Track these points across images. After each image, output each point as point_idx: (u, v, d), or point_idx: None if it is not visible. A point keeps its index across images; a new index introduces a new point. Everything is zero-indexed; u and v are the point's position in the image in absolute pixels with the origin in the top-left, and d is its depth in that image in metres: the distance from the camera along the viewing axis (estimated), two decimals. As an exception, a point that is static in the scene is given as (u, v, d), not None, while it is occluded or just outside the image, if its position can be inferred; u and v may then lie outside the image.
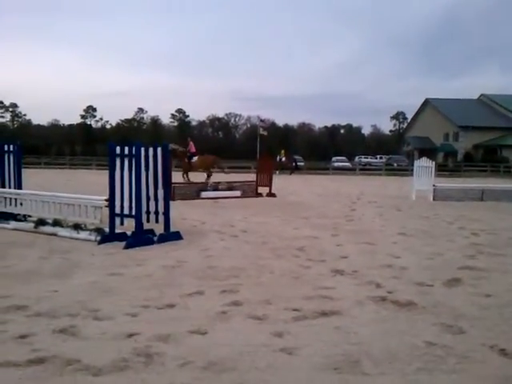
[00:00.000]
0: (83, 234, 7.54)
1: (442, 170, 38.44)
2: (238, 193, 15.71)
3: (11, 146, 9.14)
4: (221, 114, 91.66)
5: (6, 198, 8.81)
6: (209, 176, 19.57)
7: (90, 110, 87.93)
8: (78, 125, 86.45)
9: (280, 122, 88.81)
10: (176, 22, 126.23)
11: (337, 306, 4.34)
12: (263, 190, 16.33)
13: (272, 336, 3.58)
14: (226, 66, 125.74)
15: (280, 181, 21.92)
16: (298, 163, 40.13)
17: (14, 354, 3.19)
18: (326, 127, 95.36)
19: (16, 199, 8.70)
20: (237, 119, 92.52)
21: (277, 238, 7.91)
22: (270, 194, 16.20)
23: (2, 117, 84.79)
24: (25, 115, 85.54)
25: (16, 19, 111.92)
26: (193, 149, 21.09)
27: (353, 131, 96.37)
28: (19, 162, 9.25)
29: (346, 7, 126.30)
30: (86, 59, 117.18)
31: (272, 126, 74.10)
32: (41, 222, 8.16)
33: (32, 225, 8.22)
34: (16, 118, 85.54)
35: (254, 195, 16.00)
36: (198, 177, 18.91)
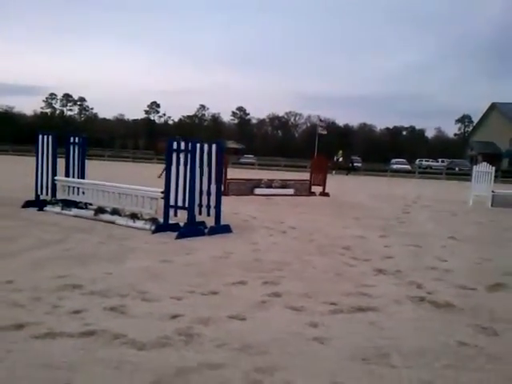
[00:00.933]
0: (139, 223, 7.92)
1: (506, 176, 37.03)
2: (291, 191, 15.87)
3: (77, 138, 9.71)
4: (281, 113, 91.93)
5: (69, 186, 9.37)
6: None
7: (154, 106, 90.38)
8: (142, 120, 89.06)
9: (340, 122, 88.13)
10: (240, 21, 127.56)
11: (374, 302, 4.42)
12: (317, 189, 16.40)
13: (307, 326, 3.73)
14: (288, 65, 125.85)
15: (335, 181, 21.89)
16: (355, 164, 39.80)
17: (68, 326, 3.49)
18: (387, 128, 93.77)
19: (79, 188, 9.23)
20: (297, 118, 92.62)
21: (324, 236, 8.02)
22: (324, 194, 16.24)
23: (71, 110, 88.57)
24: (92, 109, 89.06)
25: (87, 15, 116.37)
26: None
27: (415, 133, 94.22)
28: (84, 154, 9.79)
29: (415, 10, 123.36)
30: (151, 57, 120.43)
31: (332, 126, 73.71)
32: (100, 210, 8.63)
33: (92, 212, 8.71)
34: (83, 112, 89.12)
35: (307, 194, 16.11)
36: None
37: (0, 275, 4.73)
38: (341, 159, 35.95)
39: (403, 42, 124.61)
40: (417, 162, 59.03)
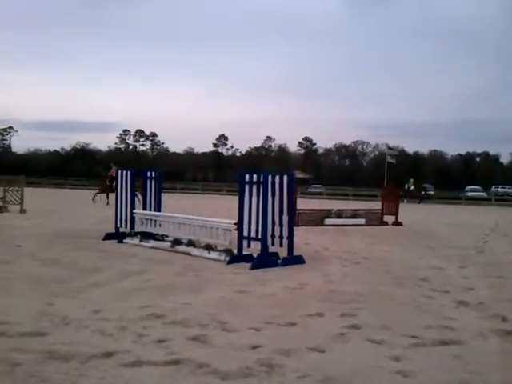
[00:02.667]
0: (214, 254, 8.11)
1: None
2: (362, 220, 15.66)
3: (153, 173, 10.15)
4: (348, 142, 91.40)
5: (147, 219, 9.75)
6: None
7: (222, 139, 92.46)
8: (211, 152, 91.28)
9: (409, 150, 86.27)
10: (303, 49, 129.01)
11: (457, 336, 4.29)
12: (389, 218, 16.09)
13: (388, 359, 3.67)
14: (353, 94, 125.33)
15: (408, 210, 21.36)
16: (428, 192, 38.73)
17: (153, 355, 3.63)
18: (459, 155, 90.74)
19: (156, 220, 9.59)
20: (364, 146, 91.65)
21: (400, 267, 7.86)
22: (396, 223, 15.90)
23: (143, 145, 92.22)
24: (163, 143, 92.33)
25: (153, 54, 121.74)
26: (114, 173, 22.85)
27: (490, 159, 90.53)
28: (160, 187, 10.22)
29: (485, 35, 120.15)
30: (217, 90, 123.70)
31: (401, 154, 72.32)
32: (176, 242, 8.91)
33: (169, 244, 9.00)
34: (155, 147, 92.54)
35: (379, 223, 15.83)
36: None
37: (88, 305, 4.99)
38: (412, 187, 35.10)
39: (473, 67, 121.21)
40: (492, 188, 56.62)
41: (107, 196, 21.36)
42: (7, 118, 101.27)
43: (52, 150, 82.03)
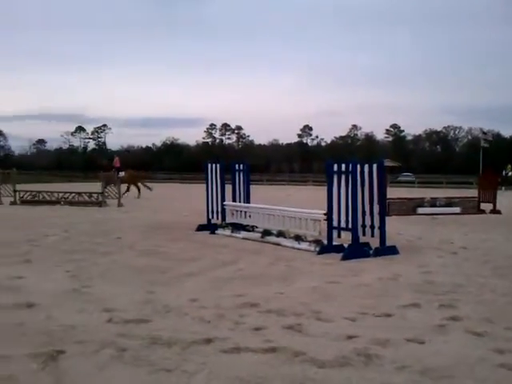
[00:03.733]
0: (304, 245, 8.13)
1: None
2: (457, 209, 15.02)
3: (241, 166, 10.33)
4: (438, 128, 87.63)
5: (237, 210, 9.96)
6: (136, 189, 21.31)
7: (307, 129, 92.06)
8: (295, 143, 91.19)
9: (506, 134, 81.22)
10: (388, 37, 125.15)
11: None
12: (486, 206, 15.30)
13: (491, 352, 3.51)
14: (442, 78, 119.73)
15: (506, 197, 20.21)
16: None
17: (251, 342, 3.71)
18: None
19: (245, 212, 9.77)
20: (456, 132, 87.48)
21: (500, 257, 7.47)
22: (494, 211, 15.10)
23: (229, 138, 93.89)
24: (248, 136, 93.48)
25: (237, 50, 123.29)
26: (118, 164, 22.22)
27: None
28: (248, 179, 10.39)
29: None
30: (300, 81, 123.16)
31: (497, 138, 68.37)
32: (266, 233, 9.03)
33: (259, 235, 9.14)
34: (241, 139, 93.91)
35: (475, 212, 15.10)
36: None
37: (185, 293, 5.19)
38: (510, 173, 33.11)
39: None
40: None
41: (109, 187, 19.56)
42: (102, 117, 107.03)
43: (144, 146, 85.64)
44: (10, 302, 4.80)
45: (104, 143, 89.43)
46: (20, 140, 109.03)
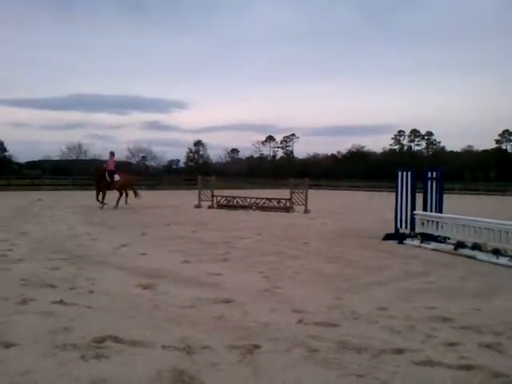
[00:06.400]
0: (503, 260, 7.48)
1: None
2: None
3: (434, 173, 9.90)
4: None
5: (428, 220, 9.56)
6: (126, 196, 18.56)
7: (506, 135, 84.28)
8: (493, 150, 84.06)
9: None
10: None
11: None
12: None
13: None
14: None
15: None
16: None
17: (445, 357, 3.56)
18: None
19: (437, 222, 9.33)
20: None
21: None
22: None
23: (418, 145, 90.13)
24: (439, 142, 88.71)
25: (423, 55, 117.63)
26: (111, 166, 18.14)
27: None
28: (441, 188, 9.91)
29: None
30: (498, 84, 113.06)
31: None
32: (460, 245, 8.51)
33: (451, 247, 8.65)
34: (430, 146, 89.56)
35: None
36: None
37: (373, 301, 5.16)
38: None
39: None
40: None
41: (103, 195, 17.67)
42: (290, 127, 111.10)
43: (329, 153, 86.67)
44: (211, 296, 5.27)
45: (291, 151, 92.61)
46: (217, 149, 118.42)
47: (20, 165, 64.22)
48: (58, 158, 62.69)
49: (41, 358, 3.45)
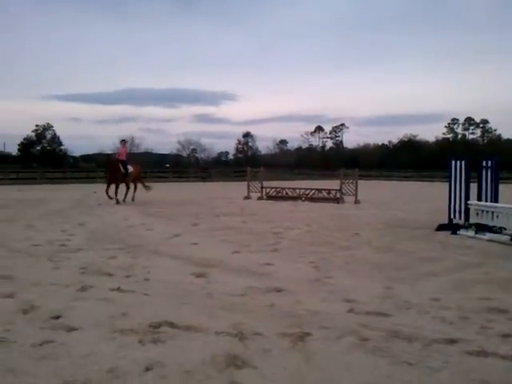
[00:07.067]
0: (563, 251, 7.22)
1: None
2: None
3: (489, 162, 9.63)
4: None
5: (482, 210, 9.31)
6: (135, 189, 17.06)
7: None
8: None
9: None
10: None
11: None
12: None
13: None
14: None
15: None
16: None
17: (499, 348, 3.51)
18: None
19: (493, 212, 9.07)
20: None
21: None
22: None
23: (473, 133, 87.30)
24: (495, 130, 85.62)
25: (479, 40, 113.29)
26: (122, 156, 16.49)
27: None
28: (496, 177, 9.62)
29: None
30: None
31: None
32: (516, 236, 8.26)
33: (508, 237, 8.40)
34: (486, 134, 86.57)
35: None
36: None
37: (426, 292, 5.12)
38: None
39: None
40: None
41: (116, 188, 16.05)
42: (340, 117, 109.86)
43: (380, 143, 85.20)
44: (263, 285, 5.36)
45: (341, 142, 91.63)
46: (265, 140, 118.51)
47: (75, 158, 66.55)
48: (111, 152, 64.54)
49: (101, 341, 3.63)
